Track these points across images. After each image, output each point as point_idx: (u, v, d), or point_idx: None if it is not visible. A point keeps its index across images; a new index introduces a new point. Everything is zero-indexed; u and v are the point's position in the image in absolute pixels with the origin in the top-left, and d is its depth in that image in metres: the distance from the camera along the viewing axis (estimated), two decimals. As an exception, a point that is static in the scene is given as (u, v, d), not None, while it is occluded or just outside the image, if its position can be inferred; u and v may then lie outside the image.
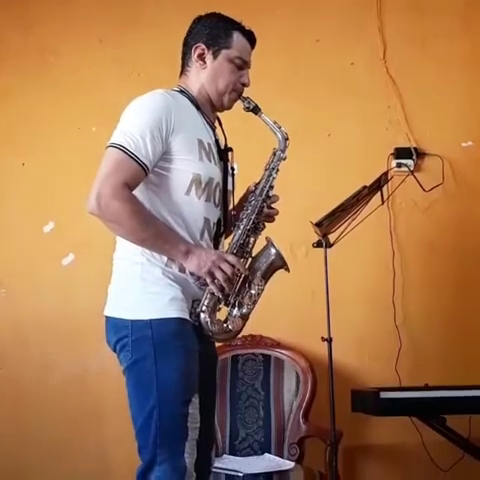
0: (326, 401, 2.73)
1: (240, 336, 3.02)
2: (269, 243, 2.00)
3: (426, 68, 3.32)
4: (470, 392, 2.66)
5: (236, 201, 2.08)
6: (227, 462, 2.79)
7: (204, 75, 2.00)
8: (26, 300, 3.28)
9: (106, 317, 1.91)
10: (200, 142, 1.92)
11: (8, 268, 3.31)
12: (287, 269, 2.00)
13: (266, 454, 2.90)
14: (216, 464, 2.68)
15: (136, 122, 1.85)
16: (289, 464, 2.81)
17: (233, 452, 2.93)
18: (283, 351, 3.08)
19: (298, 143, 3.13)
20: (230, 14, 2.09)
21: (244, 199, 2.07)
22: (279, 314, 3.16)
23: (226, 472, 2.68)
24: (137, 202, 1.83)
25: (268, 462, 2.82)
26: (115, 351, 1.89)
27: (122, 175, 1.80)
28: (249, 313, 1.94)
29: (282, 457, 2.88)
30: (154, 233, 1.83)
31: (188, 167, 1.89)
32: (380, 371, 3.12)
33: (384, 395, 2.62)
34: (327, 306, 2.70)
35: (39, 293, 3.27)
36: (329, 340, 2.70)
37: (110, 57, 3.38)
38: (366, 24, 3.33)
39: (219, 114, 2.10)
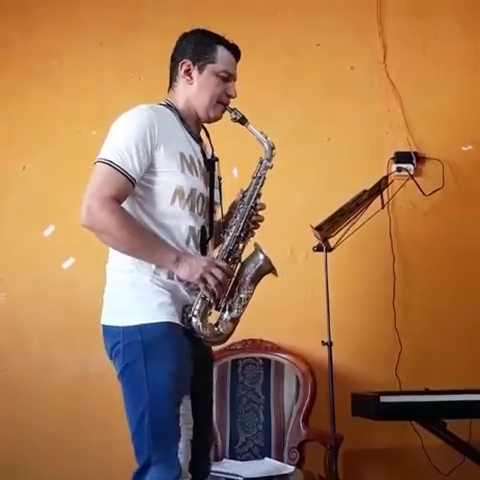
0: (326, 405, 2.73)
1: (240, 340, 3.07)
2: (257, 249, 2.07)
3: (426, 72, 3.32)
4: (470, 396, 2.66)
5: (225, 209, 2.15)
6: (227, 466, 2.79)
7: (191, 90, 2.07)
8: (26, 303, 3.28)
9: (102, 325, 1.98)
10: (182, 155, 1.98)
11: (8, 271, 3.31)
12: (275, 273, 2.07)
13: (266, 458, 2.90)
14: (216, 468, 2.69)
15: (122, 137, 1.94)
16: (289, 468, 2.80)
17: (233, 456, 2.92)
18: (283, 355, 3.08)
19: (298, 147, 3.19)
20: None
21: (233, 207, 2.13)
22: (279, 318, 3.16)
23: (226, 476, 2.69)
24: (125, 213, 1.91)
25: (268, 466, 2.81)
26: (111, 358, 1.95)
27: (110, 188, 1.88)
28: (239, 317, 2.01)
29: (282, 461, 2.88)
30: (144, 243, 1.91)
31: (171, 179, 1.96)
32: (380, 375, 3.11)
33: (384, 399, 2.62)
34: (327, 310, 2.71)
35: (39, 296, 3.27)
36: (329, 344, 2.70)
37: (111, 61, 3.38)
38: (366, 28, 3.33)
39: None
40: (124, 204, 1.93)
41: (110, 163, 1.90)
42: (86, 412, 3.17)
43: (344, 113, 3.30)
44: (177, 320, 1.92)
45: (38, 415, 3.18)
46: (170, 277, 1.94)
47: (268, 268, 2.05)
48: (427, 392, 2.75)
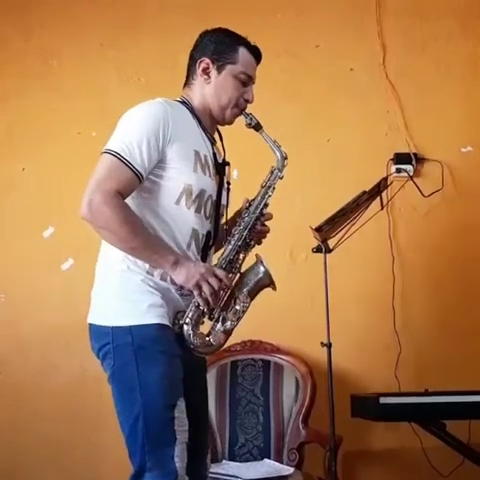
0: (326, 406, 2.72)
1: (239, 341, 3.07)
2: (258, 261, 2.00)
3: (426, 73, 3.32)
4: (470, 397, 2.65)
5: (230, 216, 2.09)
6: (226, 467, 2.79)
7: (208, 89, 2.01)
8: (25, 305, 3.27)
9: (89, 324, 1.92)
10: (196, 153, 1.92)
11: (7, 273, 3.31)
12: (274, 288, 2.01)
13: (265, 459, 2.90)
14: (215, 469, 2.69)
15: (133, 129, 1.86)
16: (288, 469, 2.80)
17: (232, 457, 2.92)
18: (282, 356, 3.08)
19: (298, 148, 3.18)
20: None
21: (238, 215, 2.07)
22: (278, 319, 3.16)
23: (225, 477, 2.68)
24: (128, 210, 1.83)
25: (267, 467, 2.81)
26: (99, 358, 1.90)
27: (115, 182, 1.80)
28: (233, 329, 1.95)
29: (281, 462, 2.87)
30: (143, 242, 1.83)
31: (180, 176, 1.89)
32: (380, 376, 3.11)
33: (384, 400, 2.61)
34: (327, 311, 2.70)
35: (38, 298, 3.27)
36: (328, 345, 2.70)
37: (111, 62, 3.39)
38: (366, 29, 3.33)
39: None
40: (127, 198, 1.85)
41: (117, 155, 1.81)
42: (85, 414, 3.16)
43: (344, 114, 3.30)
44: (167, 322, 1.86)
45: (37, 417, 3.18)
46: (163, 279, 1.87)
47: (267, 282, 1.99)
48: (426, 393, 2.74)
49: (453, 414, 2.66)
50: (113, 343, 1.83)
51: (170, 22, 3.32)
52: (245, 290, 1.96)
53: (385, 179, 3.01)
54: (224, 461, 2.90)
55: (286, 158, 2.05)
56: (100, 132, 3.22)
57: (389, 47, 3.33)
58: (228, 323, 1.93)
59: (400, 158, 3.23)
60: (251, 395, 3.00)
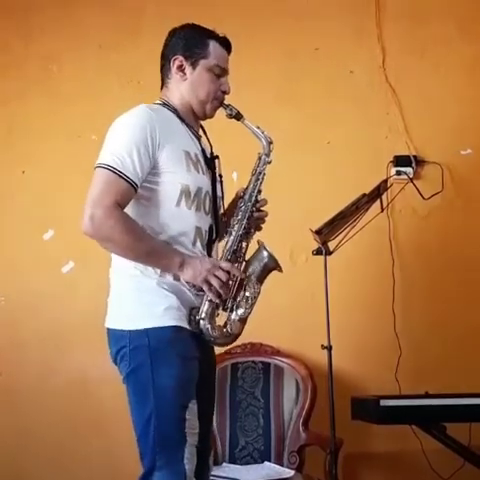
0: (326, 409, 2.72)
1: (240, 344, 3.07)
2: (261, 246, 2.04)
3: (425, 76, 3.32)
4: (470, 400, 2.64)
5: (226, 208, 2.12)
6: (227, 470, 2.79)
7: (184, 86, 2.04)
8: (26, 308, 3.28)
9: (107, 329, 1.95)
10: (187, 154, 1.96)
11: (8, 275, 3.31)
12: (280, 270, 2.05)
13: (266, 462, 2.90)
14: (216, 472, 2.69)
15: (122, 140, 1.90)
16: (289, 472, 2.80)
17: (233, 460, 2.92)
18: (283, 359, 3.08)
19: (297, 151, 3.20)
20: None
21: (233, 205, 2.11)
22: (279, 322, 3.16)
23: (226, 480, 2.68)
24: (129, 220, 1.88)
25: (268, 470, 2.81)
26: (116, 362, 1.93)
27: (113, 195, 1.84)
28: (247, 316, 1.99)
29: (282, 465, 2.87)
30: (148, 249, 1.88)
31: (176, 179, 1.93)
32: (380, 379, 3.11)
33: (384, 403, 2.61)
34: (327, 313, 2.70)
35: (39, 301, 3.27)
36: (329, 348, 2.70)
37: (110, 65, 3.39)
38: (365, 32, 3.34)
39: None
40: (127, 207, 1.89)
41: (110, 168, 1.86)
42: (85, 417, 3.16)
43: (343, 116, 3.30)
44: (184, 324, 1.90)
45: (37, 420, 3.18)
46: (176, 278, 1.91)
47: (273, 265, 2.03)
48: (427, 396, 2.74)
49: (453, 417, 2.65)
50: (130, 346, 1.86)
51: (169, 25, 3.28)
52: (253, 277, 2.00)
53: (385, 181, 3.01)
54: (224, 464, 2.89)
55: (271, 143, 2.08)
56: (100, 135, 3.15)
57: (389, 50, 3.33)
58: (242, 311, 1.97)
59: (400, 160, 3.23)
60: (251, 398, 3.00)
